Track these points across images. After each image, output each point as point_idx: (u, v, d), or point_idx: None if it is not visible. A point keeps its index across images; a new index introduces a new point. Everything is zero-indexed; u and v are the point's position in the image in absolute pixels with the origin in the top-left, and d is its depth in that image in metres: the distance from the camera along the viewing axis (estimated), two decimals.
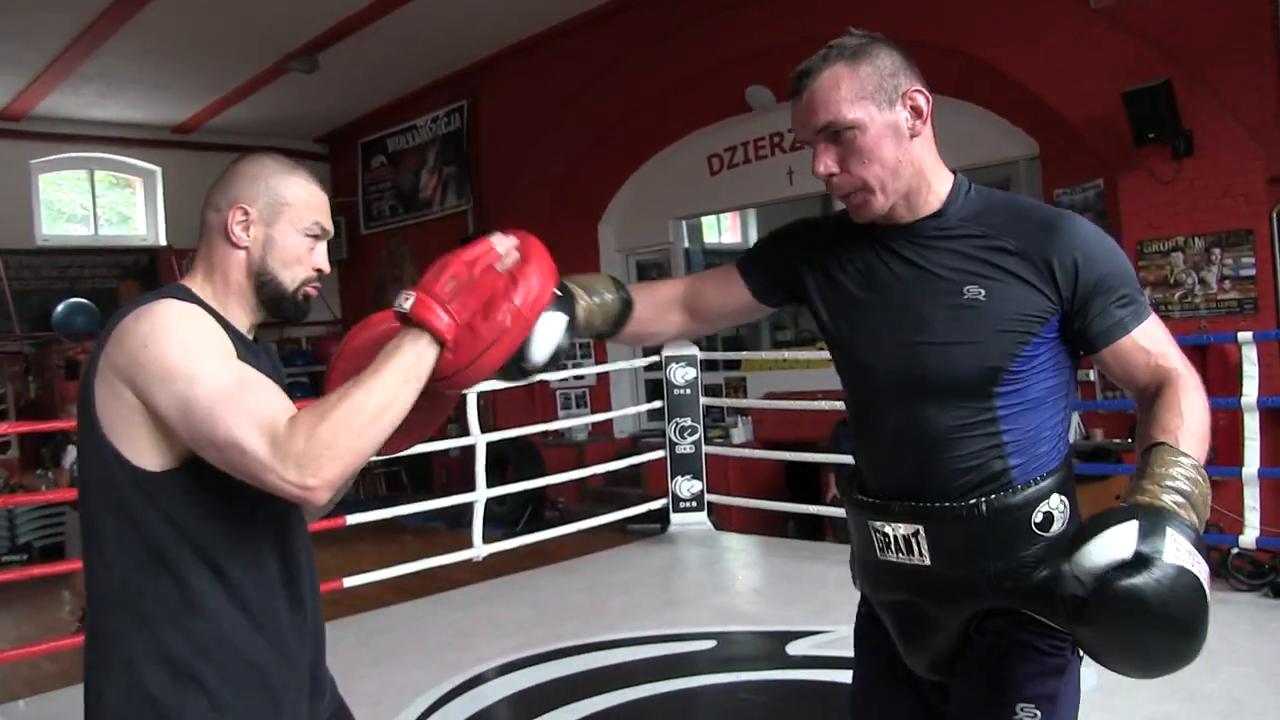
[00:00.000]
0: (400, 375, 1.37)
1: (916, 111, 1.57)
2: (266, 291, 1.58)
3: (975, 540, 1.58)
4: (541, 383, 9.00)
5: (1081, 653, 1.53)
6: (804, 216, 1.87)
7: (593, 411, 9.75)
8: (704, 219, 10.13)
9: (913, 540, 1.62)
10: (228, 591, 1.47)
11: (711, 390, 8.11)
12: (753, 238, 10.65)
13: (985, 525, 1.57)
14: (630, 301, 1.78)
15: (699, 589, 5.74)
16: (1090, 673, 3.66)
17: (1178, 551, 1.26)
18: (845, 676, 3.87)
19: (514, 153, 10.25)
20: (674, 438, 7.00)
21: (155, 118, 11.33)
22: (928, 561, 1.61)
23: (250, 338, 1.61)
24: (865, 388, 1.70)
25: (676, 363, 7.01)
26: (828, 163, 1.57)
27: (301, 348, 12.68)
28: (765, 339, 9.42)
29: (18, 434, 9.41)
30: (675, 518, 6.97)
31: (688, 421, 7.01)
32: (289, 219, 1.57)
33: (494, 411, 10.18)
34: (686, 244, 9.97)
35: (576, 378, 9.91)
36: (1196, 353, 6.15)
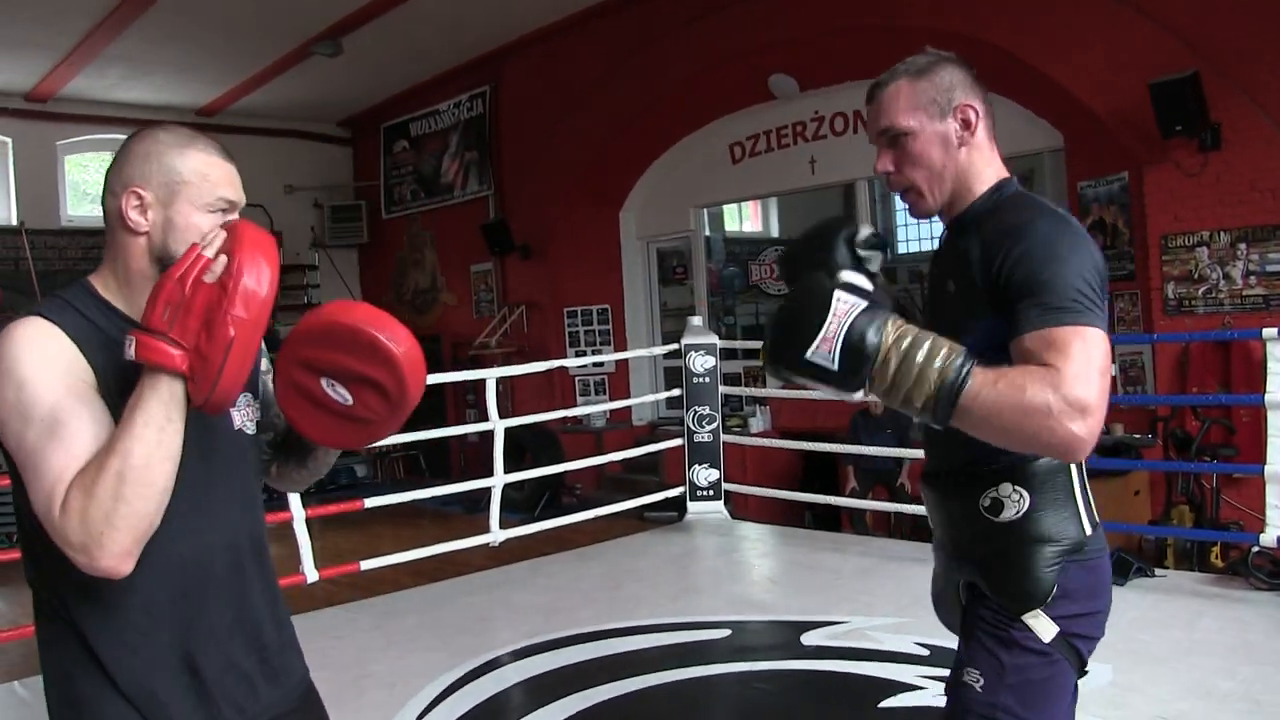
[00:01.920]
0: (153, 426, 1.30)
1: (966, 124, 1.74)
2: None
3: (945, 511, 1.82)
4: (561, 369, 9.01)
5: (1040, 636, 1.67)
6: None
7: (611, 399, 9.76)
8: (725, 207, 10.10)
9: (930, 507, 1.88)
10: (103, 608, 1.44)
11: (730, 379, 8.10)
12: (774, 227, 10.62)
13: (950, 499, 1.79)
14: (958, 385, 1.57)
15: (715, 577, 5.74)
16: (1106, 669, 3.65)
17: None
18: (859, 668, 3.89)
19: (535, 139, 10.25)
20: (692, 426, 7.00)
21: (180, 100, 11.37)
22: (934, 526, 1.89)
23: None
24: None
25: (696, 351, 7.00)
26: (885, 162, 1.78)
27: None
28: None
29: None
30: (692, 506, 6.98)
31: (706, 410, 7.00)
32: (187, 197, 1.47)
33: (513, 398, 10.20)
34: (708, 232, 9.95)
35: (596, 365, 9.92)
36: (1220, 349, 6.11)
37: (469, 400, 11.06)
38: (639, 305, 10.28)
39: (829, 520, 7.44)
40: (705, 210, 9.88)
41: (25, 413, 1.33)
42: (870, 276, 1.67)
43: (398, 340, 1.44)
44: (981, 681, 1.67)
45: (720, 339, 7.24)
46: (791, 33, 7.98)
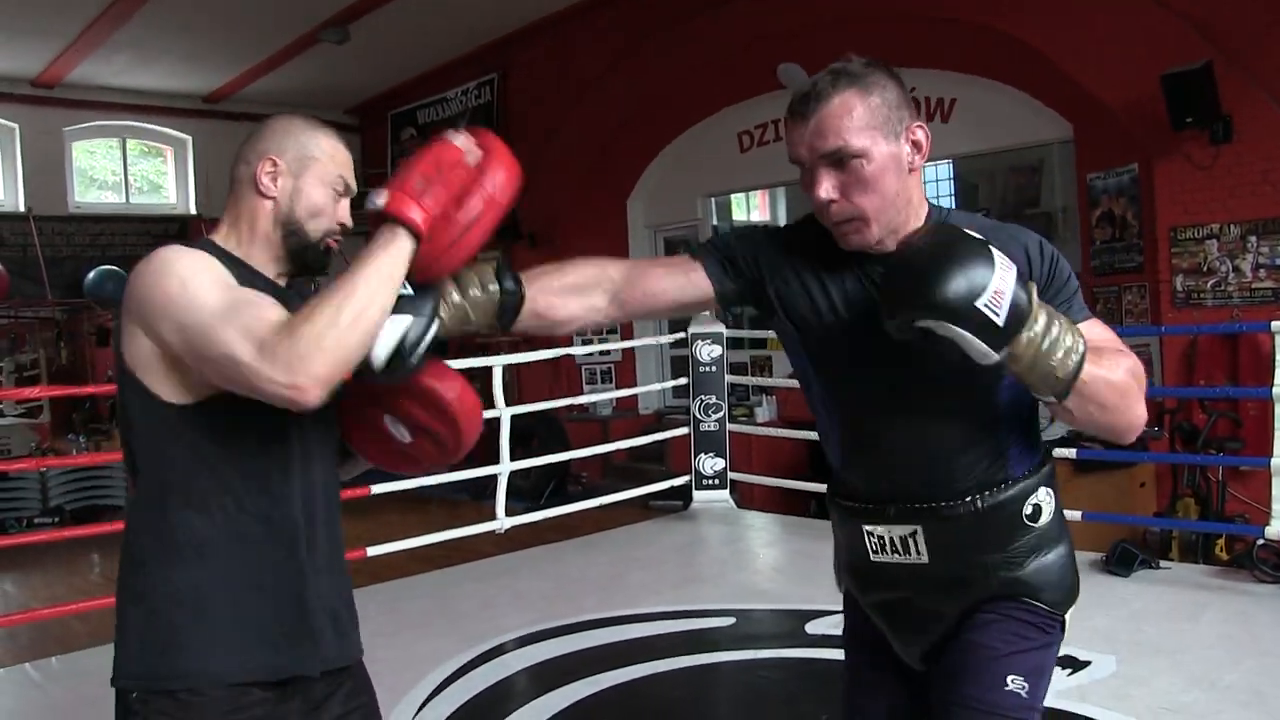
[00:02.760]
0: (378, 275, 1.39)
1: (917, 146, 1.60)
2: (292, 241, 1.63)
3: (971, 535, 1.67)
4: (567, 357, 9.01)
5: (1065, 633, 1.71)
6: (758, 225, 1.89)
7: (618, 387, 9.76)
8: (733, 196, 10.09)
9: (910, 540, 1.69)
10: (241, 525, 1.54)
11: (737, 368, 8.11)
12: (782, 216, 10.61)
13: (981, 520, 1.66)
14: (517, 293, 1.65)
15: (720, 566, 5.75)
16: (1109, 660, 3.65)
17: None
18: None
19: (543, 127, 10.24)
20: (698, 415, 7.00)
21: (187, 87, 11.38)
22: (925, 560, 1.69)
23: (281, 284, 1.66)
24: (857, 407, 1.75)
25: (702, 340, 7.01)
26: (828, 188, 1.58)
27: None
28: None
29: (49, 398, 9.52)
30: (698, 495, 6.98)
31: (712, 399, 7.00)
32: (316, 173, 1.63)
33: (519, 385, 10.21)
34: (715, 221, 9.94)
35: (602, 353, 9.92)
36: (1228, 342, 6.09)
37: (475, 388, 11.06)
38: None
39: None
40: (713, 199, 9.87)
41: (192, 302, 1.41)
42: None
43: (465, 403, 1.59)
44: (1026, 688, 1.64)
45: (727, 328, 7.24)
46: (800, 21, 7.95)
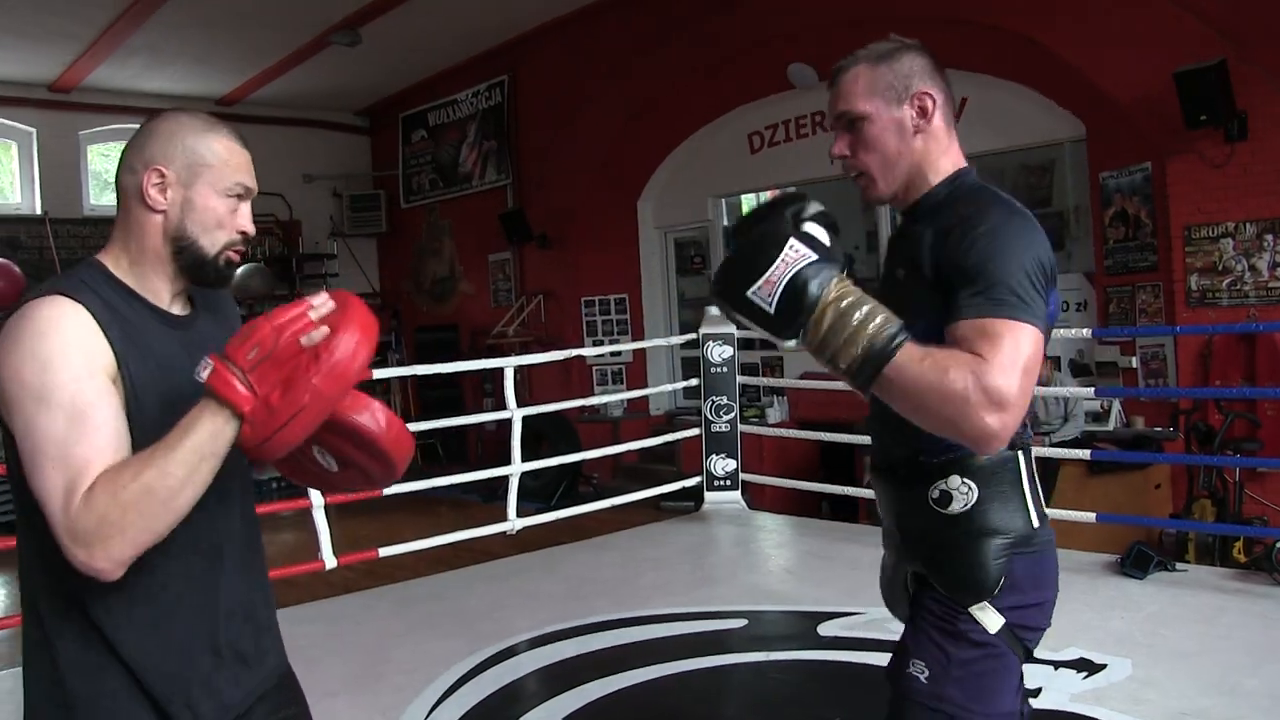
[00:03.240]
0: (196, 454, 1.29)
1: (923, 111, 1.73)
2: (185, 257, 1.50)
3: (898, 505, 1.81)
4: (578, 358, 9.01)
5: (987, 627, 1.67)
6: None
7: (629, 388, 9.76)
8: (743, 197, 10.06)
9: (879, 499, 1.89)
10: (120, 590, 1.41)
11: (748, 369, 8.10)
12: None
13: (898, 490, 1.80)
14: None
15: (731, 567, 5.73)
16: (1125, 663, 3.63)
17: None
18: (876, 658, 3.87)
19: (554, 128, 10.24)
20: (710, 416, 6.98)
21: (200, 90, 11.41)
22: (884, 517, 1.89)
23: (176, 311, 1.55)
24: None
25: (714, 340, 6.99)
26: (841, 146, 1.78)
27: None
28: None
29: None
30: (709, 496, 6.97)
31: (724, 400, 6.99)
32: (209, 180, 1.50)
33: (530, 387, 10.22)
34: (725, 222, 9.92)
35: (613, 354, 9.91)
36: (1244, 342, 6.05)
37: (486, 389, 11.08)
38: (656, 295, 10.26)
39: (846, 511, 7.41)
40: (723, 200, 9.85)
41: (46, 396, 1.31)
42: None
43: (392, 435, 1.45)
44: (927, 673, 1.68)
45: (738, 329, 7.22)
46: (811, 22, 7.94)
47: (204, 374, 1.29)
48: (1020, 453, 1.72)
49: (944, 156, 1.76)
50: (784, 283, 1.49)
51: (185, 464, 1.28)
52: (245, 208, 1.55)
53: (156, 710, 1.46)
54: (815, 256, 1.50)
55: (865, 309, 1.48)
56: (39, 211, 10.95)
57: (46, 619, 1.45)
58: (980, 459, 1.69)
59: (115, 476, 1.28)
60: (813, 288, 1.48)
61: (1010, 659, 1.70)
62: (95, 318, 1.39)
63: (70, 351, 1.34)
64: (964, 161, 1.78)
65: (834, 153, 1.78)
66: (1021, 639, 1.70)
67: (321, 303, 1.35)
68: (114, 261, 1.51)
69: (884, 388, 1.49)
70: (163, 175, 1.48)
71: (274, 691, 1.66)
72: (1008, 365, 1.46)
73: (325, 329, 1.32)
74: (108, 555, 1.27)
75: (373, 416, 1.43)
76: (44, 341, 1.34)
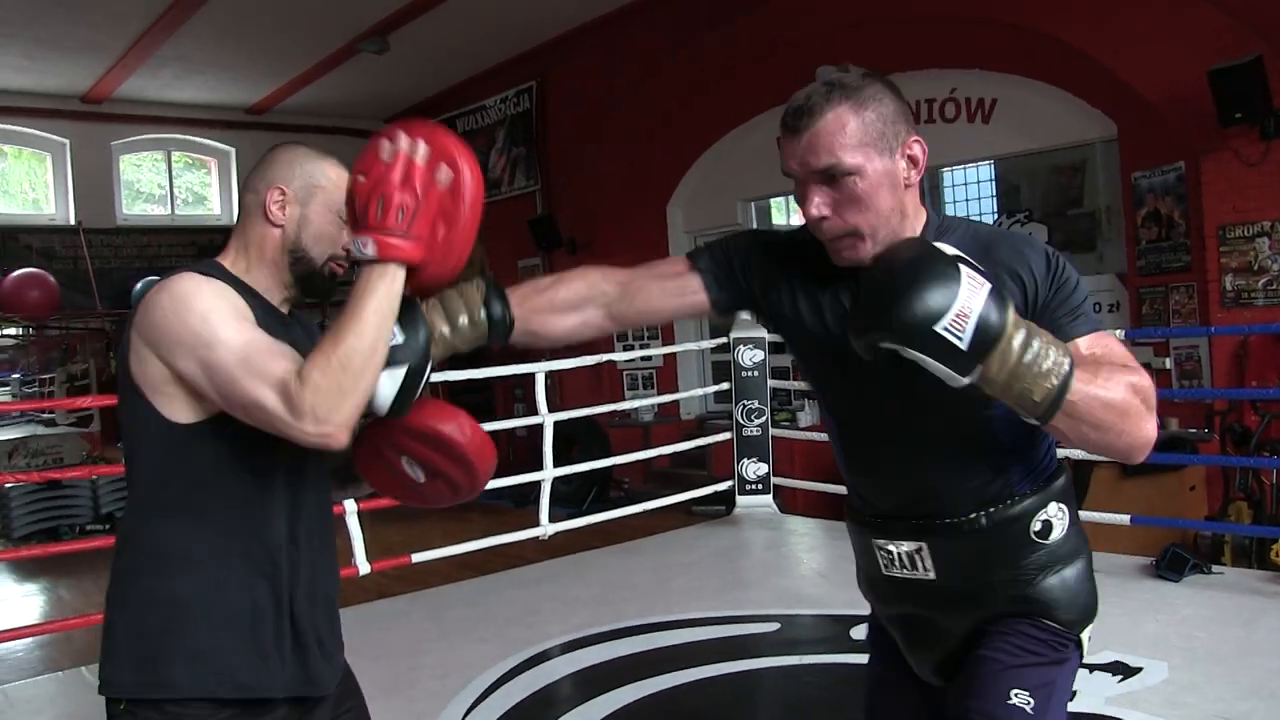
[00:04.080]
0: (380, 314, 1.43)
1: (913, 161, 1.56)
2: (299, 267, 1.67)
3: (977, 552, 1.65)
4: (609, 363, 9.02)
5: (1084, 652, 1.65)
6: (753, 229, 1.88)
7: (659, 392, 9.76)
8: (773, 201, 10.05)
9: (916, 556, 1.68)
10: (233, 543, 1.58)
11: (779, 372, 8.06)
12: None
13: (986, 538, 1.64)
14: (505, 319, 1.68)
15: (763, 571, 5.72)
16: (1161, 666, 3.59)
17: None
18: None
19: (582, 133, 10.27)
20: (741, 420, 6.98)
21: (230, 99, 11.54)
22: (933, 576, 1.68)
23: (284, 311, 1.71)
24: (855, 424, 1.75)
25: (744, 345, 6.99)
26: (820, 205, 1.55)
27: None
28: None
29: (99, 408, 9.65)
30: (741, 500, 6.96)
31: (755, 404, 6.98)
32: (322, 200, 1.68)
33: (561, 391, 10.23)
34: (755, 226, 9.91)
35: (644, 359, 9.92)
36: (1278, 343, 5.99)
37: (517, 394, 11.12)
38: None
39: None
40: (753, 204, 9.84)
41: (213, 336, 1.46)
42: None
43: (477, 446, 1.59)
44: (1032, 703, 1.59)
45: (769, 333, 7.21)
46: (840, 22, 7.92)
47: (370, 249, 1.42)
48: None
49: (919, 205, 1.63)
50: (977, 314, 1.35)
51: (372, 324, 1.42)
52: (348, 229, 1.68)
53: (230, 678, 1.57)
54: (990, 284, 1.38)
55: (1039, 338, 1.40)
56: (73, 221, 11.10)
57: (137, 574, 1.59)
58: (1060, 482, 1.66)
59: (319, 355, 1.40)
60: (999, 317, 1.36)
61: None
62: (231, 287, 1.57)
63: (221, 302, 1.51)
64: (922, 205, 1.65)
65: (810, 213, 1.55)
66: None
67: (410, 146, 1.45)
68: (231, 264, 1.67)
69: (1065, 413, 1.42)
70: (283, 193, 1.66)
71: (340, 684, 1.76)
72: (1141, 370, 1.49)
73: (445, 169, 1.46)
74: (333, 420, 1.39)
75: (459, 426, 1.58)
76: (197, 296, 1.50)
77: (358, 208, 1.45)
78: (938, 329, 1.35)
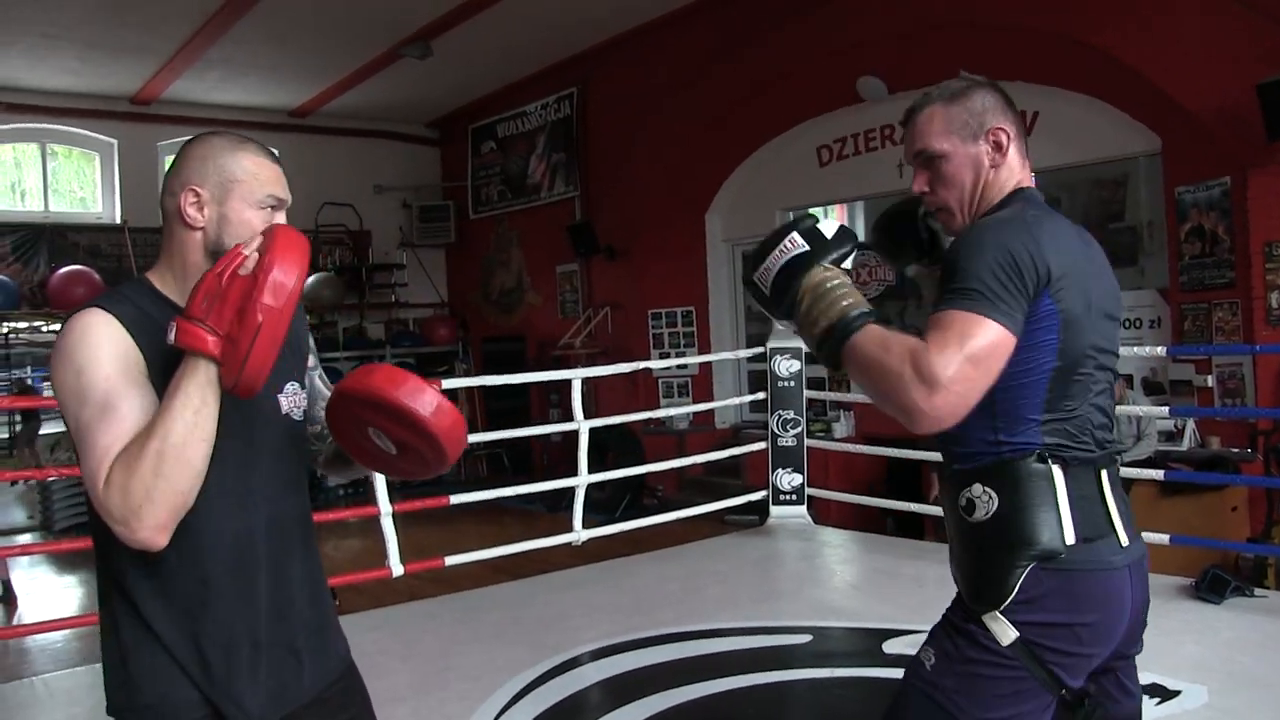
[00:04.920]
0: (189, 409, 1.41)
1: (998, 146, 1.81)
2: None
3: (943, 505, 1.85)
4: (645, 371, 9.03)
5: (997, 638, 1.67)
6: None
7: (695, 401, 9.75)
8: (811, 210, 10.03)
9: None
10: (191, 563, 1.55)
11: (815, 383, 8.04)
12: (861, 231, 10.48)
13: (943, 494, 1.85)
14: None
15: (796, 582, 5.70)
16: (1200, 690, 3.54)
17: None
18: None
19: (622, 140, 10.29)
20: (776, 430, 6.96)
21: (273, 102, 11.67)
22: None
23: None
24: None
25: (781, 354, 6.96)
26: (921, 183, 1.87)
27: (409, 329, 12.92)
28: None
29: None
30: (774, 510, 6.94)
31: (790, 414, 6.95)
32: (240, 194, 1.59)
33: (596, 398, 10.25)
34: None
35: (679, 367, 9.91)
36: None
37: (552, 400, 11.15)
38: (723, 308, 10.25)
39: (912, 527, 7.34)
40: (791, 213, 9.80)
41: (82, 395, 1.46)
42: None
43: (443, 420, 1.54)
44: (932, 660, 1.74)
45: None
46: (880, 33, 7.90)
47: (172, 335, 1.42)
48: (1058, 465, 1.69)
49: (1017, 181, 1.84)
50: (777, 268, 1.73)
51: (182, 419, 1.40)
52: (280, 217, 1.63)
53: (204, 698, 1.56)
54: (807, 248, 1.72)
55: (841, 293, 1.68)
56: (118, 220, 11.27)
57: (107, 599, 1.60)
58: (1007, 467, 1.70)
59: (126, 453, 1.40)
60: (799, 271, 1.71)
61: (1025, 680, 1.65)
62: (126, 325, 1.52)
63: (101, 355, 1.48)
64: (1031, 182, 1.86)
65: (914, 189, 1.87)
66: (1044, 661, 1.64)
67: (251, 241, 1.47)
68: (159, 278, 1.63)
69: (847, 363, 1.65)
70: (198, 194, 1.58)
71: (335, 690, 1.72)
72: (946, 348, 1.56)
73: (256, 256, 1.44)
74: (143, 524, 1.39)
75: (422, 400, 1.52)
76: (79, 348, 1.48)
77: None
78: (752, 278, 1.78)
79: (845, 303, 1.67)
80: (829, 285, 1.69)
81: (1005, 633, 1.66)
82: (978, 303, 1.59)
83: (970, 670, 1.68)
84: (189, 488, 1.42)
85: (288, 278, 1.44)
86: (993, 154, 1.81)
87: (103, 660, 1.60)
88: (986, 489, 1.72)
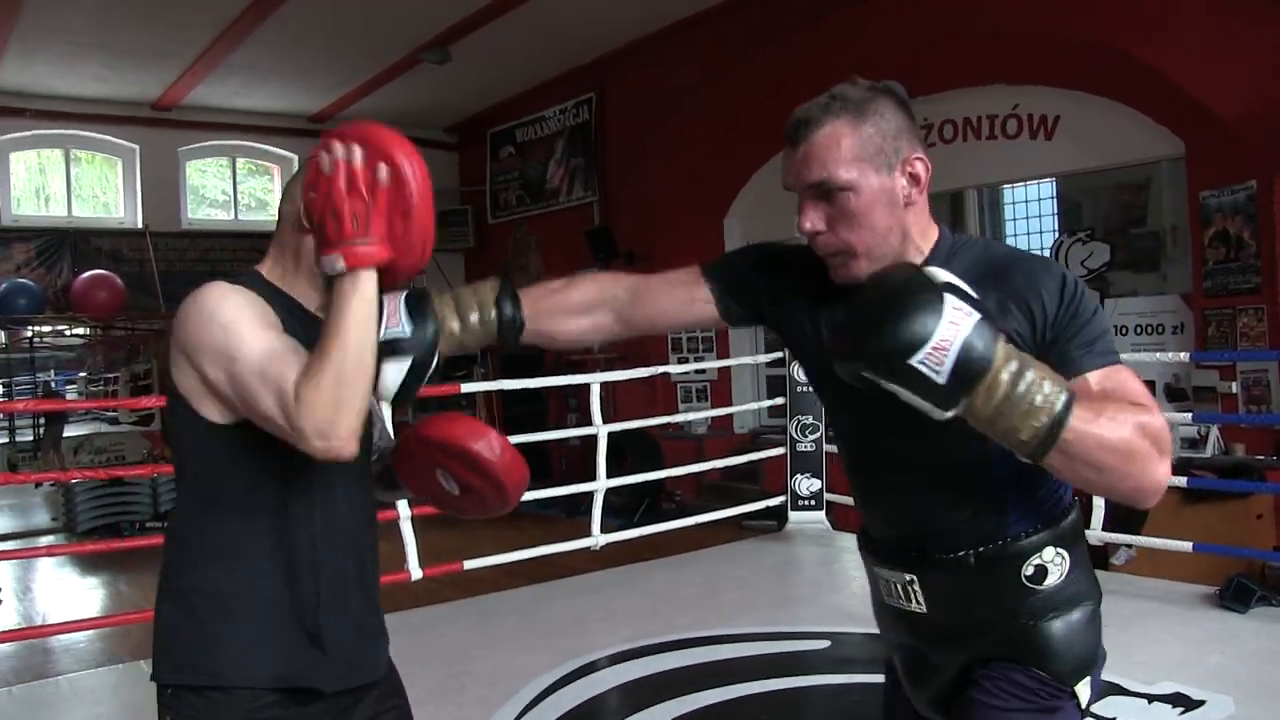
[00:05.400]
0: (359, 322, 1.45)
1: (914, 179, 1.52)
2: None
3: (965, 591, 1.58)
4: (663, 375, 9.01)
5: (1081, 703, 1.56)
6: (766, 241, 1.83)
7: (713, 406, 9.73)
8: None
9: (910, 588, 1.63)
10: (271, 538, 1.61)
11: None
12: None
13: (974, 577, 1.57)
14: (516, 320, 1.71)
15: (815, 588, 5.68)
16: (1226, 701, 3.51)
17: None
18: None
19: (641, 145, 10.29)
20: (795, 435, 6.94)
21: (293, 107, 11.73)
22: (924, 610, 1.63)
23: (322, 316, 1.70)
24: (852, 447, 1.73)
25: None
26: (814, 220, 1.52)
27: None
28: None
29: (160, 408, 9.84)
30: (793, 515, 6.92)
31: (809, 419, 6.93)
32: None
33: (614, 403, 10.24)
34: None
35: (698, 372, 9.90)
36: None
37: (570, 404, 11.15)
38: None
39: None
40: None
41: (235, 346, 1.49)
42: None
43: (506, 464, 1.65)
44: None
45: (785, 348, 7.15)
46: (900, 37, 7.87)
47: (341, 264, 1.46)
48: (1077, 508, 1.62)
49: (929, 223, 1.57)
50: (957, 347, 1.28)
51: (354, 333, 1.44)
52: None
53: (286, 661, 1.62)
54: (979, 315, 1.30)
55: (1032, 372, 1.31)
56: (140, 225, 11.35)
57: (184, 566, 1.64)
58: (1064, 524, 1.57)
59: (308, 374, 1.43)
60: (985, 351, 1.29)
61: None
62: (259, 294, 1.60)
63: (245, 312, 1.54)
64: (935, 224, 1.59)
65: (803, 228, 1.52)
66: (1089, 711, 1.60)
67: (345, 152, 1.48)
68: (268, 271, 1.71)
69: (1060, 453, 1.33)
70: None
71: (383, 680, 1.79)
72: (1157, 411, 1.39)
73: (383, 167, 1.48)
74: (338, 433, 1.42)
75: (489, 444, 1.63)
76: (221, 308, 1.54)
77: (315, 226, 1.50)
78: (912, 362, 1.29)
79: (1048, 382, 1.32)
80: (1017, 362, 1.31)
81: (1086, 694, 1.58)
82: (1114, 353, 1.46)
83: None
84: (366, 394, 1.47)
85: (423, 178, 1.51)
86: (909, 189, 1.51)
87: (162, 626, 1.65)
88: (1059, 551, 1.56)
